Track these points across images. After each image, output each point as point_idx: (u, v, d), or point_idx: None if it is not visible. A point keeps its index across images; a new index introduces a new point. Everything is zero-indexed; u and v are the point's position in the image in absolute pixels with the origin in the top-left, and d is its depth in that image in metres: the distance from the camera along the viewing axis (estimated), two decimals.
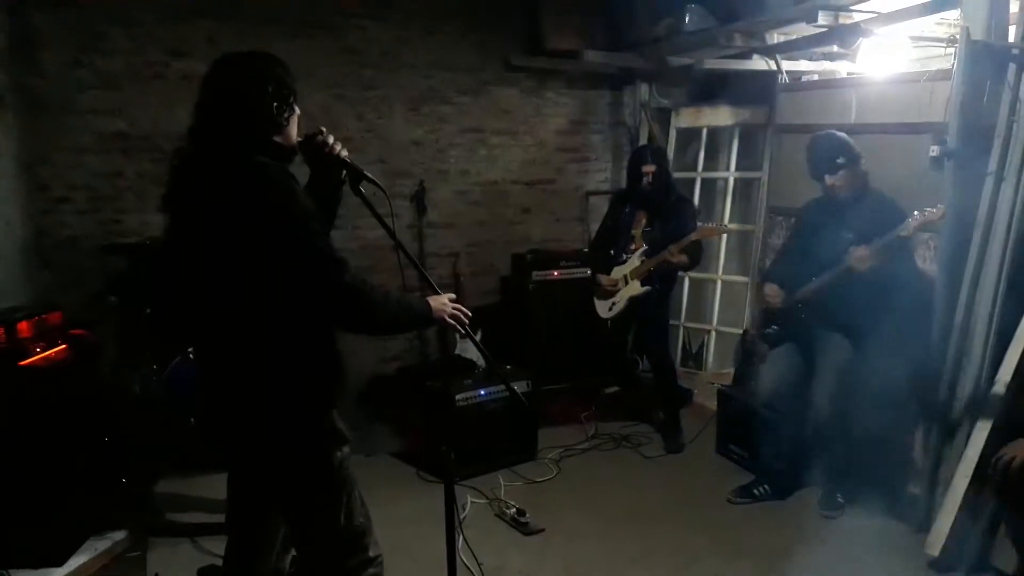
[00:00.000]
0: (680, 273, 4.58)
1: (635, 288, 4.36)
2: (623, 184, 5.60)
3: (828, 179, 3.48)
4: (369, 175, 2.15)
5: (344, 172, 2.14)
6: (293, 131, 2.05)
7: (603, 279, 4.48)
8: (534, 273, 5.19)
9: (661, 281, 4.35)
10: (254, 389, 1.98)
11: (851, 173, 3.46)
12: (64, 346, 3.25)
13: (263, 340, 1.94)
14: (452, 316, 2.17)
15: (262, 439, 2.02)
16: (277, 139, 2.00)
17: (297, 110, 2.05)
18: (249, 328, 1.94)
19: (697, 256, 4.29)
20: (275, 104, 1.96)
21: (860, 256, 3.30)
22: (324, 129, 2.11)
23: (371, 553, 2.15)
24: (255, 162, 1.90)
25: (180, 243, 2.01)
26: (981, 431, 3.00)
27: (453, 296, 2.22)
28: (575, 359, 5.16)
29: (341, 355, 2.09)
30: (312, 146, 2.08)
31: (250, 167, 1.89)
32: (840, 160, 3.44)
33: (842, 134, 3.55)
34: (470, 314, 2.24)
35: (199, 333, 2.04)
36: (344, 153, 2.13)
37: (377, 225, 2.17)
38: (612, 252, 4.48)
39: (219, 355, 2.01)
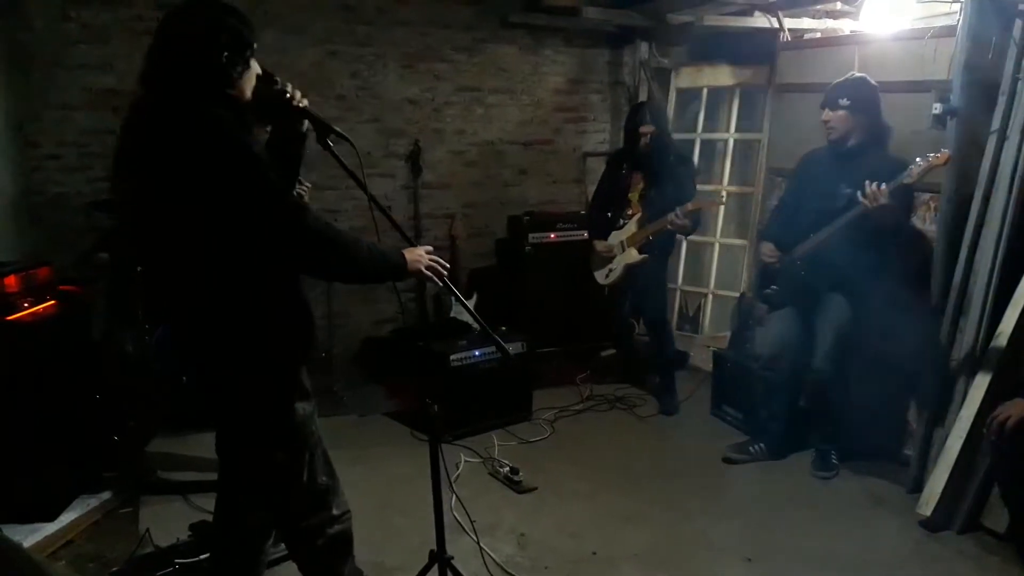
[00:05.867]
0: (678, 237, 4.52)
1: (632, 256, 4.29)
2: (621, 145, 5.54)
3: (825, 112, 3.40)
4: (335, 128, 2.07)
5: (307, 124, 2.04)
6: (248, 85, 1.97)
7: (599, 245, 4.42)
8: (530, 235, 5.12)
9: (659, 248, 4.29)
10: (215, 344, 1.96)
11: (852, 119, 3.36)
12: (53, 302, 3.21)
13: (222, 295, 1.91)
14: (429, 268, 2.13)
15: (225, 394, 2.02)
16: (230, 92, 1.92)
17: (254, 64, 1.98)
18: (208, 284, 1.90)
19: (694, 224, 4.22)
20: (226, 55, 1.89)
21: (872, 193, 3.11)
22: (280, 78, 2.03)
23: (335, 511, 2.16)
24: (207, 112, 1.84)
25: (139, 196, 1.95)
26: (976, 391, 2.99)
27: (430, 248, 2.19)
28: (571, 322, 5.12)
29: (308, 311, 2.07)
30: (270, 96, 2.00)
31: (199, 117, 1.83)
32: (843, 101, 3.35)
33: (871, 82, 3.43)
34: (448, 266, 2.20)
35: (165, 290, 2.01)
36: (305, 103, 2.04)
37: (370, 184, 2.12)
38: (610, 215, 4.42)
39: (184, 311, 1.98)
